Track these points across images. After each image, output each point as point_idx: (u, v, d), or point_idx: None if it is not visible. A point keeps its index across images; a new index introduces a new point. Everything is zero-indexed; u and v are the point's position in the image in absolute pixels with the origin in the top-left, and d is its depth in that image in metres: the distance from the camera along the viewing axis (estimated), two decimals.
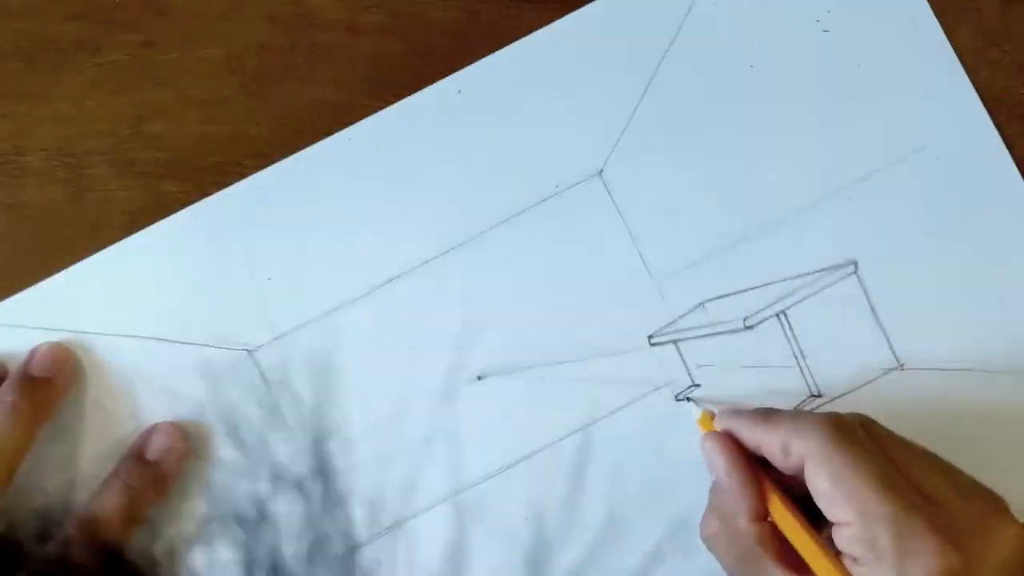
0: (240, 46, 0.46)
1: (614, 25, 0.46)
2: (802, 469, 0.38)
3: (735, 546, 0.40)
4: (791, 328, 0.45)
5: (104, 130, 0.46)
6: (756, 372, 0.45)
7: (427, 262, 0.45)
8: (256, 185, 0.45)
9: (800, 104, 0.46)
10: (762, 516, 0.40)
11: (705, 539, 0.41)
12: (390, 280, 0.45)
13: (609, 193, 0.46)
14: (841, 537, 0.37)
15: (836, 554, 0.38)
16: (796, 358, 0.45)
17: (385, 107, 0.46)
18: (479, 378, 0.45)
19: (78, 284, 0.45)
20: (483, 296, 0.45)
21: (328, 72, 0.46)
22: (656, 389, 0.45)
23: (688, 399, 0.45)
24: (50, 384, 0.44)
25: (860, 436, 0.38)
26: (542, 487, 0.44)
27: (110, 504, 0.43)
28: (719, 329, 0.45)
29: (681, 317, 0.45)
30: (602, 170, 0.46)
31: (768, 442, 0.40)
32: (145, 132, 0.46)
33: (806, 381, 0.45)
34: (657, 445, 0.45)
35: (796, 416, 0.40)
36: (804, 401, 0.45)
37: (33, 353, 0.44)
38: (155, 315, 0.45)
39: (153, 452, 0.44)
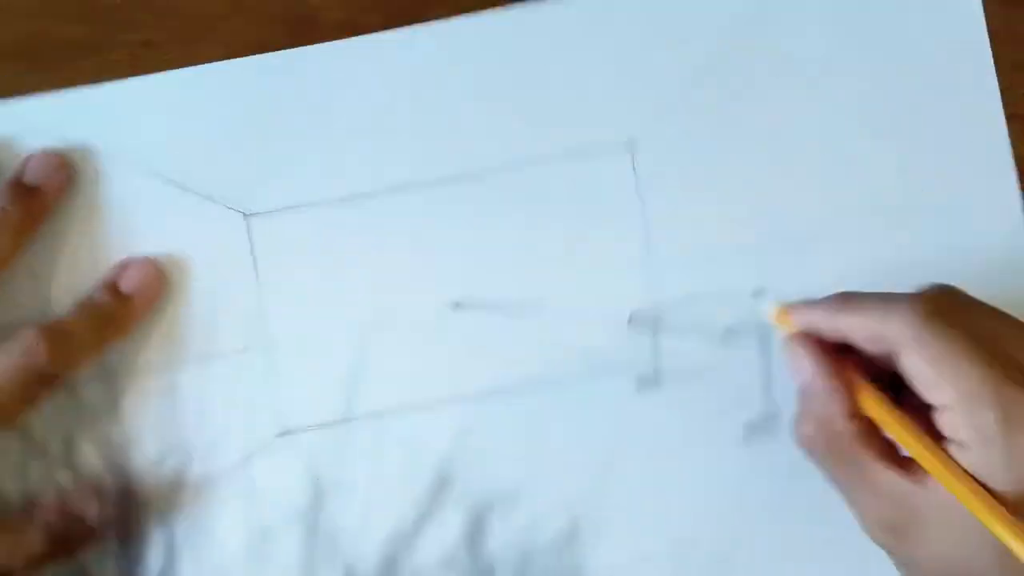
0: (240, 46, 0.45)
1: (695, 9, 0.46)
2: (893, 354, 0.37)
3: (833, 447, 0.39)
4: (767, 349, 0.45)
5: None
6: (719, 379, 0.45)
7: (434, 183, 0.46)
8: (296, 59, 0.45)
9: (844, 113, 0.46)
10: (857, 413, 0.38)
11: (801, 444, 0.40)
12: (392, 190, 0.46)
13: (634, 165, 0.46)
14: (943, 421, 0.36)
15: (939, 440, 0.37)
16: (762, 378, 0.45)
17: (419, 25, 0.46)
18: (456, 305, 0.45)
19: (104, 100, 0.45)
20: (480, 230, 0.46)
21: None
22: (624, 368, 0.45)
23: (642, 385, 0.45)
24: (41, 193, 0.44)
25: (955, 313, 0.37)
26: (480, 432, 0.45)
27: (78, 323, 0.43)
28: (699, 328, 0.45)
29: (668, 305, 0.45)
30: (633, 140, 0.46)
31: (856, 330, 0.38)
32: None
33: (766, 402, 0.45)
34: (605, 420, 0.45)
35: (883, 299, 0.38)
36: (759, 420, 0.45)
37: (28, 159, 0.44)
38: (165, 154, 0.45)
39: (126, 284, 0.44)
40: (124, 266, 0.44)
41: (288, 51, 0.45)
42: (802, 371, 0.40)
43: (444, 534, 0.43)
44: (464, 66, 0.46)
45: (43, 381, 0.42)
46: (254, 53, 0.46)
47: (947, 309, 0.37)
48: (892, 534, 0.38)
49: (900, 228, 0.46)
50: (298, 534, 0.44)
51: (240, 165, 0.46)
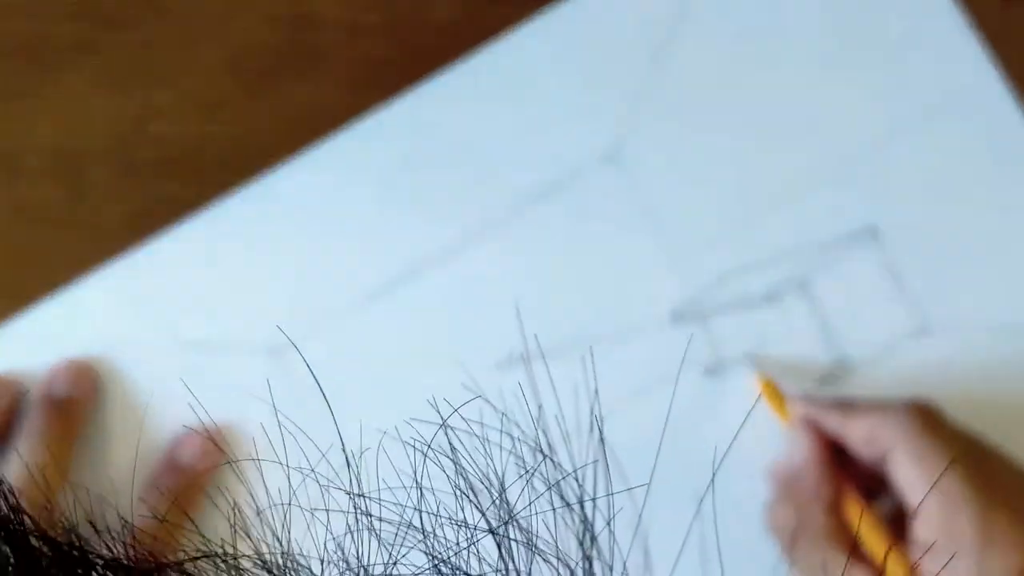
0: (240, 46, 0.46)
1: (618, 8, 0.46)
2: (882, 458, 0.39)
3: (807, 536, 0.39)
4: (814, 299, 0.45)
5: (104, 130, 0.46)
6: (781, 344, 0.45)
7: (445, 255, 0.45)
8: (267, 188, 0.45)
9: (813, 72, 0.46)
10: (837, 509, 0.40)
11: (774, 529, 0.41)
12: (403, 277, 0.45)
13: (622, 174, 0.46)
14: (920, 528, 0.37)
15: (905, 553, 0.38)
16: (820, 328, 0.45)
17: (385, 107, 0.46)
18: (501, 366, 0.44)
19: (90, 297, 0.45)
20: (501, 286, 0.45)
21: (328, 72, 0.46)
22: (686, 367, 0.44)
23: (710, 375, 0.44)
24: (75, 403, 0.44)
25: (943, 427, 0.39)
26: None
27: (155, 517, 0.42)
28: (742, 303, 0.45)
29: (702, 293, 0.45)
30: (614, 151, 0.46)
31: (852, 432, 0.40)
32: (145, 132, 0.46)
33: (833, 351, 0.45)
34: (685, 423, 0.44)
35: (880, 406, 0.40)
36: (831, 371, 0.44)
37: (53, 373, 0.44)
38: (172, 321, 0.45)
39: (186, 458, 0.44)
40: (178, 443, 0.44)
41: (245, 189, 0.45)
42: (798, 456, 0.41)
43: None
44: (438, 131, 0.46)
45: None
46: (254, 53, 0.46)
47: (936, 422, 0.39)
48: None
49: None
50: None
51: (250, 314, 0.45)
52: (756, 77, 0.46)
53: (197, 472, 0.44)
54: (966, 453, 0.38)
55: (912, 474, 0.37)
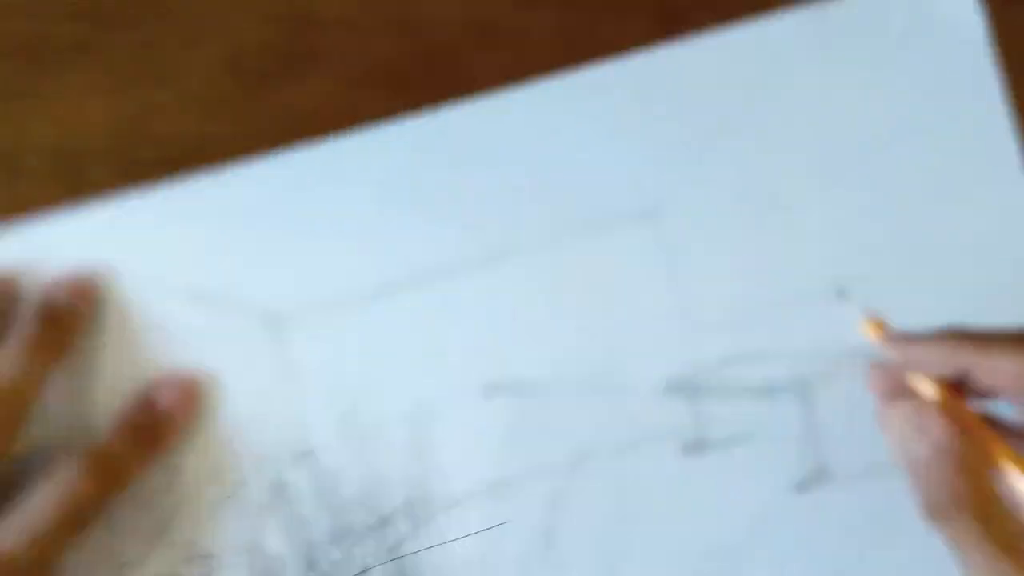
0: (240, 46, 0.46)
1: (705, 76, 0.45)
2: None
3: (981, 511, 0.35)
4: (809, 403, 0.44)
5: (104, 130, 0.46)
6: (766, 439, 0.44)
7: (460, 268, 0.45)
8: (309, 158, 0.45)
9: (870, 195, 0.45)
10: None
11: (938, 515, 0.36)
12: (415, 280, 0.45)
13: (657, 234, 0.45)
14: None
15: None
16: (808, 433, 0.44)
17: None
18: (491, 389, 0.45)
19: (125, 216, 0.44)
20: (510, 312, 0.45)
21: (328, 72, 0.46)
22: (664, 436, 0.44)
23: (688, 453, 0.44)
24: (69, 315, 0.43)
25: None
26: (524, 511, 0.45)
27: (118, 446, 0.42)
28: (737, 389, 0.44)
29: (704, 369, 0.45)
30: (654, 208, 0.45)
31: (1004, 371, 0.35)
32: (145, 132, 0.46)
33: (814, 459, 0.44)
34: (654, 490, 0.44)
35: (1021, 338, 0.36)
36: (808, 479, 0.44)
37: (55, 283, 0.43)
38: (190, 264, 0.44)
39: (164, 401, 0.43)
40: (159, 383, 0.44)
41: (301, 151, 0.45)
42: (933, 432, 0.37)
43: None
44: (481, 149, 0.45)
45: (87, 514, 0.41)
46: (254, 53, 0.46)
47: None
48: None
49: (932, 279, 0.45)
50: None
51: (266, 269, 0.45)
52: (816, 186, 0.45)
53: (171, 417, 0.43)
54: None
55: None
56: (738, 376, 0.44)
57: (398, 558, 0.44)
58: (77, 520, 0.41)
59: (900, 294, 0.45)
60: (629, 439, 0.44)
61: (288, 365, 0.45)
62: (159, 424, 0.43)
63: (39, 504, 0.41)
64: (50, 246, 0.44)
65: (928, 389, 0.38)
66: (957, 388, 0.37)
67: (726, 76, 0.45)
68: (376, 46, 0.46)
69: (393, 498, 0.44)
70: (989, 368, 0.36)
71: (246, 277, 0.45)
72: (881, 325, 0.42)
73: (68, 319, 0.43)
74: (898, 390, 0.40)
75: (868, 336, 0.42)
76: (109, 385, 0.44)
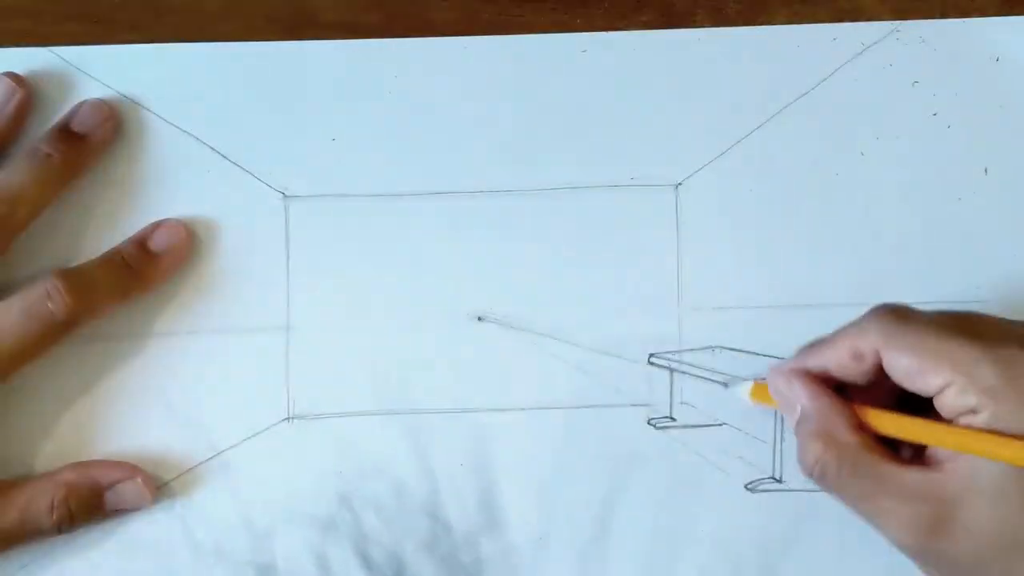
0: None
1: (756, 56, 0.46)
2: (875, 369, 0.38)
3: (845, 463, 0.38)
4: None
5: None
6: (730, 432, 0.45)
7: (478, 194, 0.46)
8: (358, 50, 0.46)
9: (892, 203, 0.46)
10: (860, 426, 0.39)
11: (810, 471, 0.39)
12: (433, 194, 0.46)
13: (676, 209, 0.46)
14: (946, 402, 0.37)
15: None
16: (775, 438, 0.45)
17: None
18: (479, 319, 0.45)
19: (163, 59, 0.45)
20: (514, 247, 0.46)
21: None
22: (634, 405, 0.45)
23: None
24: (88, 141, 0.44)
25: (917, 311, 0.38)
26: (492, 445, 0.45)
27: (101, 272, 0.43)
28: (717, 378, 0.45)
29: (689, 351, 0.45)
30: (680, 184, 0.46)
31: (836, 357, 0.39)
32: None
33: (773, 462, 0.45)
34: (609, 454, 0.45)
35: (852, 322, 0.39)
36: (763, 480, 0.45)
37: (76, 107, 0.44)
38: (216, 123, 0.45)
39: (156, 243, 0.44)
40: (156, 226, 0.45)
41: (350, 41, 0.46)
42: (797, 400, 0.40)
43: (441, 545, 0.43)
44: (523, 83, 0.46)
45: (60, 327, 0.42)
46: None
47: (908, 311, 0.39)
48: (927, 534, 0.37)
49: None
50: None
51: (286, 147, 0.46)
52: (843, 188, 0.46)
53: (157, 259, 0.44)
54: (950, 322, 0.38)
55: (912, 364, 0.37)
56: (722, 365, 0.45)
57: None
58: (45, 331, 0.41)
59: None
60: (597, 398, 0.45)
61: (286, 244, 0.45)
62: (144, 262, 0.44)
63: (11, 314, 0.41)
64: (87, 71, 0.45)
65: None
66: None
67: (765, 68, 0.46)
68: None
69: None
70: (828, 358, 0.40)
71: (268, 152, 0.45)
72: (762, 389, 0.43)
73: (85, 143, 0.44)
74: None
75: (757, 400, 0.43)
76: (109, 219, 0.45)
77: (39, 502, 0.42)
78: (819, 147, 0.46)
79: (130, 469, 0.44)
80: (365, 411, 0.45)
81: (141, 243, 0.44)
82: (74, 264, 0.44)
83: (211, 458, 0.45)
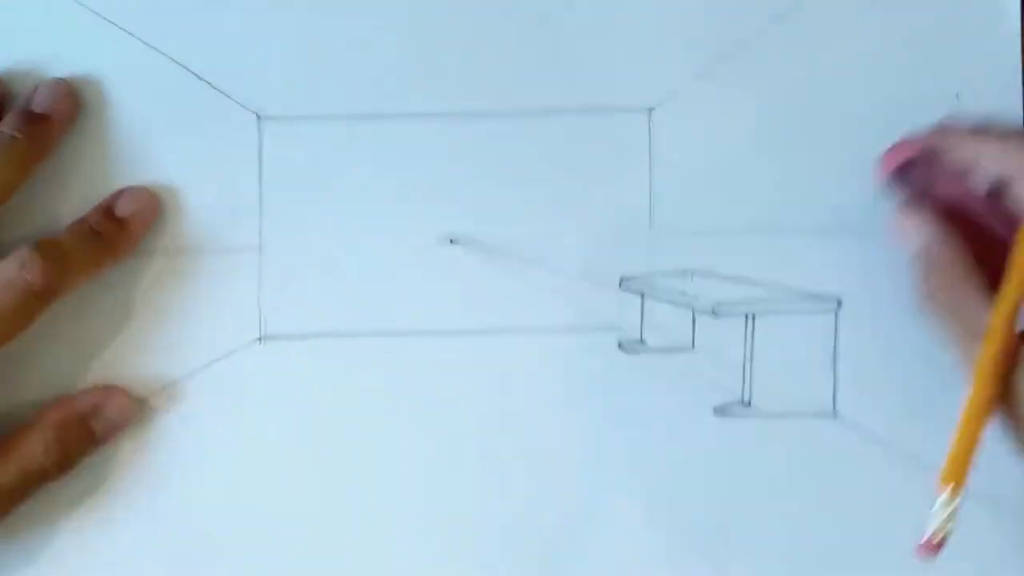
0: None
1: None
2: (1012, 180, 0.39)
3: (957, 296, 0.40)
4: (753, 333, 0.45)
5: None
6: (700, 356, 0.45)
7: (450, 116, 0.46)
8: None
9: (878, 131, 0.45)
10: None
11: (926, 301, 0.41)
12: (407, 116, 0.45)
13: (649, 134, 0.46)
14: None
15: None
16: (744, 361, 0.45)
17: None
18: (451, 241, 0.45)
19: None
20: (488, 169, 0.46)
21: None
22: (605, 328, 0.45)
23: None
24: (50, 120, 0.44)
25: None
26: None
27: (72, 241, 0.43)
28: (688, 302, 0.45)
29: (660, 274, 0.45)
30: (652, 109, 0.46)
31: (978, 153, 0.40)
32: None
33: (742, 386, 0.45)
34: (579, 378, 0.45)
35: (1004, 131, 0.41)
36: (732, 404, 0.45)
37: (35, 89, 0.44)
38: (188, 42, 0.45)
39: (121, 209, 0.44)
40: (120, 192, 0.45)
41: None
42: (921, 229, 0.42)
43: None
44: (496, 6, 0.46)
45: (38, 297, 0.42)
46: None
47: None
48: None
49: None
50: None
51: (261, 67, 0.46)
52: (825, 114, 0.46)
53: (126, 226, 0.44)
54: None
55: None
56: (692, 289, 0.45)
57: None
58: (23, 302, 0.41)
59: None
60: (568, 321, 0.45)
61: (259, 165, 0.45)
62: (112, 230, 0.44)
63: None
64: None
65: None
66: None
67: None
68: None
69: None
70: (975, 149, 0.41)
71: (243, 71, 0.45)
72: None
73: (48, 123, 0.44)
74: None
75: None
76: (81, 195, 0.45)
77: (33, 449, 0.42)
78: (793, 72, 0.46)
79: (106, 390, 0.44)
80: (337, 332, 0.45)
81: (107, 211, 0.44)
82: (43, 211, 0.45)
83: (183, 378, 0.45)
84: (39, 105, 0.44)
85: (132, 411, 0.44)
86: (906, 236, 0.43)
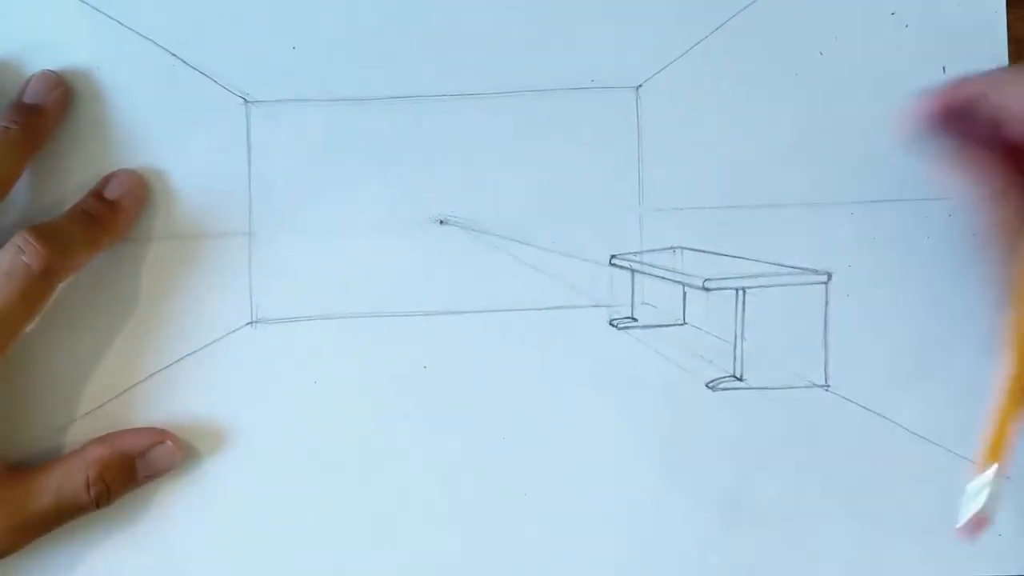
0: None
1: None
2: None
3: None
4: (743, 307, 0.45)
5: None
6: (691, 331, 0.46)
7: (438, 97, 0.46)
8: None
9: (851, 103, 0.45)
10: None
11: (989, 232, 0.40)
12: (394, 97, 0.45)
13: (637, 111, 0.46)
14: None
15: None
16: (736, 336, 0.45)
17: None
18: (441, 222, 0.46)
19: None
20: (477, 150, 0.46)
21: None
22: (596, 306, 0.45)
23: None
24: (42, 111, 0.44)
25: None
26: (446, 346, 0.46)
27: (69, 225, 0.43)
28: (679, 278, 0.45)
29: (650, 251, 0.45)
30: (640, 86, 0.46)
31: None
32: None
33: (734, 361, 0.45)
34: (574, 355, 0.45)
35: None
36: (724, 379, 0.45)
37: (26, 82, 0.44)
38: (176, 28, 0.45)
39: (112, 191, 0.44)
40: (108, 177, 0.45)
41: None
42: (979, 168, 0.40)
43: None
44: None
45: (40, 280, 0.42)
46: None
47: None
48: None
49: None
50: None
51: (247, 51, 0.46)
52: (801, 88, 0.46)
53: (118, 207, 0.44)
54: None
55: None
56: (682, 265, 0.46)
57: None
58: (26, 287, 0.41)
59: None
60: (559, 299, 0.45)
61: (248, 149, 0.46)
62: (105, 212, 0.44)
63: None
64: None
65: None
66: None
67: None
68: None
69: None
70: (1015, 96, 0.39)
71: (228, 56, 0.45)
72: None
73: (40, 114, 0.44)
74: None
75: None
76: (75, 182, 0.45)
77: (74, 482, 0.42)
78: (778, 47, 0.46)
79: (158, 434, 0.44)
80: (329, 315, 0.45)
81: (98, 195, 0.45)
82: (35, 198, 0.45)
83: (175, 362, 0.45)
84: (31, 97, 0.44)
85: (178, 457, 0.44)
86: (960, 177, 0.41)
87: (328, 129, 0.46)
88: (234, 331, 0.45)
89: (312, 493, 0.45)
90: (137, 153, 0.45)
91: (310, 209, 0.46)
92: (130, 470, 0.44)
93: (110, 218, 0.44)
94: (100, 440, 0.44)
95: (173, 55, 0.45)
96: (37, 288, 0.42)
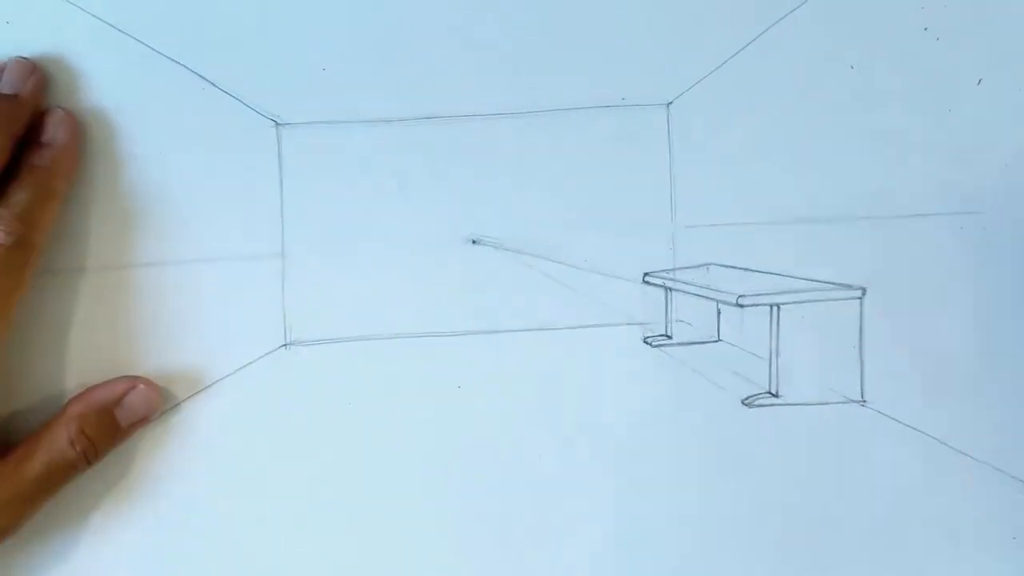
0: None
1: None
2: None
3: None
4: (778, 323, 0.45)
5: None
6: (725, 348, 0.46)
7: (470, 117, 0.46)
8: None
9: (882, 117, 0.45)
10: None
11: None
12: (425, 118, 0.45)
13: (668, 128, 0.46)
14: None
15: None
16: (771, 352, 0.45)
17: None
18: (473, 241, 0.46)
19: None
20: (509, 169, 0.46)
21: None
22: (630, 324, 0.45)
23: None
24: (17, 99, 0.44)
25: None
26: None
27: (20, 187, 0.43)
28: (712, 295, 0.45)
29: (683, 268, 0.45)
30: (671, 103, 0.46)
31: None
32: None
33: (769, 377, 0.45)
34: (608, 373, 0.45)
35: None
36: (760, 395, 0.45)
37: (1, 69, 0.44)
38: (206, 52, 0.45)
39: (47, 136, 0.44)
40: (39, 124, 0.44)
41: None
42: None
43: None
44: (514, 6, 0.46)
45: (14, 252, 0.41)
46: None
47: None
48: None
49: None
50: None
51: (278, 74, 0.46)
52: (835, 103, 0.45)
53: (20, 98, 0.44)
54: None
55: None
56: (716, 282, 0.46)
57: None
58: (6, 261, 0.41)
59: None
60: (593, 318, 0.45)
61: (279, 172, 0.46)
62: (47, 156, 0.43)
63: None
64: (68, 5, 0.45)
65: None
66: None
67: None
68: None
69: None
70: None
71: (260, 79, 0.45)
72: None
73: (17, 99, 0.44)
74: None
75: None
76: (106, 207, 0.45)
77: (58, 443, 0.43)
78: (809, 62, 0.46)
79: (130, 380, 0.44)
80: (362, 336, 0.45)
81: (37, 145, 0.44)
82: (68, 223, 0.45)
83: (210, 386, 0.45)
84: (5, 86, 0.44)
85: (156, 401, 0.44)
86: None
87: (359, 150, 0.46)
88: (268, 353, 0.45)
89: (348, 514, 0.45)
90: (170, 176, 0.45)
91: (342, 231, 0.46)
92: (110, 421, 0.44)
93: (56, 161, 0.44)
94: (77, 397, 0.44)
95: (204, 79, 0.45)
96: (16, 257, 0.42)
